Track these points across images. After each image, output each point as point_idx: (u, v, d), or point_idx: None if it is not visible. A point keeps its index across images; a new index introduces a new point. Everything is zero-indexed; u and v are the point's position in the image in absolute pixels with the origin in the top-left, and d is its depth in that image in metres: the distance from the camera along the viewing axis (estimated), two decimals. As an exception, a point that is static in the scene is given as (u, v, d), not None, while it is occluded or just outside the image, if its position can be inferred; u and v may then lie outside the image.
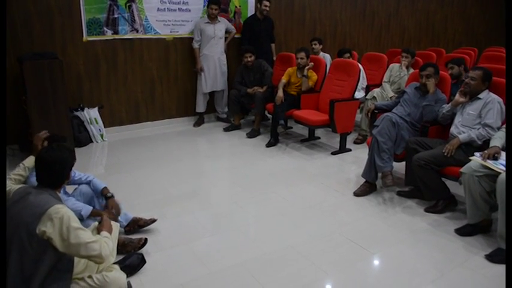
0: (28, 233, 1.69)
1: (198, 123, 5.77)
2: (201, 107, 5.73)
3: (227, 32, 5.67)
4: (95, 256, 1.79)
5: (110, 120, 5.27)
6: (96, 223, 2.20)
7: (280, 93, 4.81)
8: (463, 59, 4.46)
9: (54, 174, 1.89)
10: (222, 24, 5.55)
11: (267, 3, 5.64)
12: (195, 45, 5.48)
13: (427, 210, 3.26)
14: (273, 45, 6.03)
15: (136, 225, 2.84)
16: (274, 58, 5.94)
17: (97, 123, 5.00)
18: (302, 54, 4.89)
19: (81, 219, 2.34)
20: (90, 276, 1.89)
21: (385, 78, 5.14)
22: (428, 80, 3.50)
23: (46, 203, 1.75)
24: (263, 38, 5.79)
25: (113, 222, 2.20)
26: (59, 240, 1.72)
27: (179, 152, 4.72)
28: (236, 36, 5.88)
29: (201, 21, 5.45)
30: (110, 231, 2.07)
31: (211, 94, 5.81)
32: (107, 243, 1.88)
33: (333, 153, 4.66)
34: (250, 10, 6.05)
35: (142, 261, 2.47)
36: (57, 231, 1.71)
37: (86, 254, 1.78)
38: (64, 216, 1.73)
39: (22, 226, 1.71)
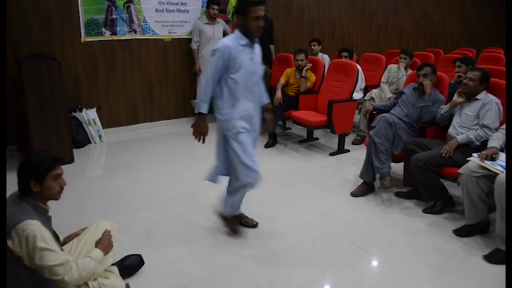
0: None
1: None
2: None
3: (224, 33, 5.66)
4: (57, 281, 1.72)
5: (108, 121, 5.27)
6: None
7: (278, 94, 4.81)
8: (472, 59, 4.45)
9: (19, 180, 1.83)
10: (221, 25, 5.56)
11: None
12: (194, 46, 5.47)
13: (425, 211, 3.26)
14: (272, 46, 5.99)
15: (239, 221, 2.96)
16: (274, 58, 5.93)
17: (95, 124, 4.99)
18: (302, 56, 4.89)
19: None
20: (86, 284, 1.84)
21: (383, 79, 5.14)
22: (426, 79, 3.51)
23: (16, 217, 1.70)
24: (261, 38, 5.72)
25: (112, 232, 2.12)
26: (27, 258, 1.69)
27: (177, 153, 4.72)
28: None
29: (200, 22, 5.44)
30: (105, 249, 1.98)
31: None
32: (78, 266, 1.76)
33: (332, 154, 4.66)
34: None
35: (140, 262, 2.47)
36: (24, 249, 1.67)
37: (48, 277, 1.71)
38: (30, 235, 1.66)
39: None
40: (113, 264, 2.04)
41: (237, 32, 2.59)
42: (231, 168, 2.70)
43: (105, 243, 2.01)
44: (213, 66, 2.52)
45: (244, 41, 2.56)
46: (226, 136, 2.65)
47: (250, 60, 2.60)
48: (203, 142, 2.69)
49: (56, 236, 1.91)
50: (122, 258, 2.43)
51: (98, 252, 1.93)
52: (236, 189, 2.74)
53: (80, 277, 1.76)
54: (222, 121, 2.64)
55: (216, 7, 5.34)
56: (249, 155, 2.61)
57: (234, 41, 2.54)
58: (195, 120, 2.73)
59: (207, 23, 5.42)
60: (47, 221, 1.87)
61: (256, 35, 2.60)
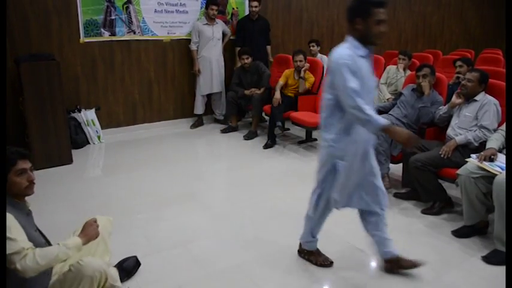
0: None
1: (195, 125, 5.76)
2: (199, 108, 5.73)
3: (223, 34, 5.67)
4: (15, 269, 1.67)
5: (107, 121, 5.26)
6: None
7: (277, 95, 4.81)
8: (472, 60, 4.46)
9: None
10: (220, 26, 5.56)
11: (254, 4, 5.54)
12: (193, 46, 5.47)
13: (423, 212, 3.27)
14: (268, 47, 5.95)
15: (397, 265, 2.48)
16: (271, 59, 5.92)
17: (94, 124, 4.99)
18: (301, 57, 4.90)
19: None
20: (69, 268, 1.82)
21: (382, 80, 5.15)
22: (424, 80, 3.51)
23: None
24: (256, 39, 5.71)
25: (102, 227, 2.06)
26: None
27: (176, 154, 4.72)
28: (232, 38, 5.88)
29: (199, 22, 5.44)
30: (86, 237, 1.90)
31: (208, 96, 5.80)
32: (35, 254, 1.69)
33: (330, 155, 4.65)
34: (247, 11, 6.03)
35: (137, 263, 2.46)
36: None
37: (8, 266, 1.68)
38: None
39: None
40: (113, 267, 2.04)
41: (352, 40, 2.21)
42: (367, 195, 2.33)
43: (86, 231, 1.94)
44: (349, 78, 2.06)
45: (363, 51, 2.16)
46: (348, 161, 2.22)
47: (370, 74, 2.19)
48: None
49: (38, 230, 1.91)
50: (120, 261, 2.42)
51: (74, 240, 1.87)
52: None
53: (36, 265, 1.69)
54: (337, 148, 2.25)
55: (215, 7, 5.34)
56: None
57: (351, 51, 2.15)
58: (396, 132, 2.15)
59: (206, 24, 5.42)
60: (26, 216, 1.86)
61: (378, 43, 2.18)
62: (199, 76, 5.55)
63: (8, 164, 1.83)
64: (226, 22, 5.83)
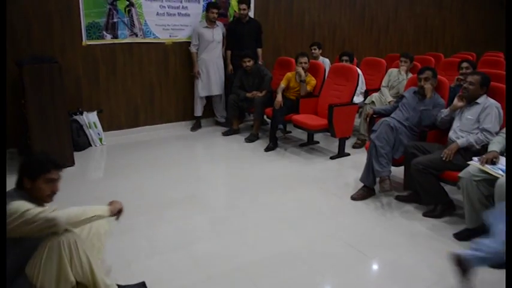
0: None
1: (194, 128, 5.77)
2: (198, 111, 5.73)
3: (223, 37, 5.64)
4: (49, 225, 1.78)
5: (109, 124, 5.27)
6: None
7: (279, 97, 4.81)
8: (474, 62, 4.44)
9: (18, 174, 1.97)
10: (220, 29, 5.56)
11: (243, 6, 5.49)
12: (193, 49, 5.48)
13: (425, 215, 3.26)
14: (259, 50, 5.83)
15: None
16: (261, 62, 5.79)
17: (96, 127, 5.00)
18: (305, 59, 4.90)
19: None
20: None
21: (383, 83, 5.15)
22: (427, 83, 3.51)
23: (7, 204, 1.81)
24: (246, 41, 5.62)
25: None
26: (20, 229, 1.76)
27: (178, 156, 4.72)
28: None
29: (200, 25, 5.45)
30: (112, 207, 2.08)
31: (209, 99, 5.80)
32: (66, 210, 1.86)
33: (332, 158, 4.66)
34: (250, 14, 6.04)
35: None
36: (16, 223, 1.75)
37: (41, 229, 1.78)
38: (13, 208, 1.76)
39: None
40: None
41: None
42: None
43: (113, 204, 2.12)
44: None
45: None
46: None
47: None
48: None
49: None
50: (126, 286, 2.31)
51: (100, 206, 2.03)
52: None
53: (67, 216, 1.83)
54: None
55: (215, 11, 5.34)
56: None
57: None
58: None
59: (206, 27, 5.42)
60: None
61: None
62: (198, 78, 5.55)
63: (41, 170, 1.95)
64: (226, 25, 5.82)
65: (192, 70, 5.57)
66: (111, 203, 2.12)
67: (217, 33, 5.50)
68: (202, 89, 5.61)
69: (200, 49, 5.49)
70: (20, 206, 1.77)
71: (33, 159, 2.00)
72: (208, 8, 5.37)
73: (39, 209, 1.79)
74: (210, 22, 5.40)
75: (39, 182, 1.94)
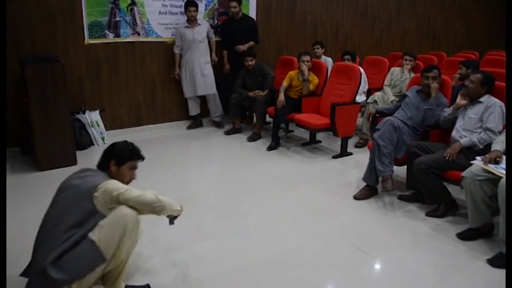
0: (79, 199, 1.96)
1: (190, 127, 5.76)
2: (192, 110, 5.71)
3: (208, 37, 5.53)
4: (146, 204, 2.02)
5: (111, 123, 5.28)
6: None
7: (281, 96, 4.80)
8: (475, 62, 4.42)
9: (102, 156, 2.20)
10: (203, 27, 5.43)
11: (233, 4, 5.45)
12: (176, 50, 5.42)
13: (428, 215, 3.25)
14: (251, 42, 5.71)
15: None
16: (241, 47, 5.64)
17: (98, 126, 5.00)
18: (308, 58, 4.88)
19: None
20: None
21: (386, 82, 5.14)
22: (434, 82, 3.49)
23: (96, 181, 2.00)
24: (240, 39, 5.58)
25: None
26: (103, 205, 1.96)
27: (180, 155, 4.73)
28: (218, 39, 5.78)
29: (181, 26, 5.37)
30: (179, 207, 2.27)
31: (203, 98, 5.74)
32: (146, 192, 2.04)
33: (334, 157, 4.65)
34: (251, 13, 6.04)
35: None
36: (109, 201, 1.96)
37: (126, 197, 1.98)
38: (108, 187, 1.97)
39: (77, 193, 1.97)
40: None
41: None
42: None
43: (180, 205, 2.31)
44: None
45: None
46: None
47: None
48: None
49: None
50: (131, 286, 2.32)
51: (170, 199, 2.21)
52: None
53: (138, 195, 2.01)
54: None
55: (193, 9, 5.23)
56: None
57: None
58: None
59: (187, 27, 5.33)
60: None
61: None
62: (182, 79, 5.51)
63: (130, 156, 2.20)
64: (221, 24, 5.79)
65: (174, 71, 5.51)
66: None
67: (198, 32, 5.37)
68: (186, 90, 5.57)
69: (183, 50, 5.42)
70: (118, 185, 1.98)
71: (124, 146, 2.20)
72: (185, 6, 5.27)
73: (134, 192, 1.99)
74: (190, 21, 5.31)
75: (124, 167, 2.16)
